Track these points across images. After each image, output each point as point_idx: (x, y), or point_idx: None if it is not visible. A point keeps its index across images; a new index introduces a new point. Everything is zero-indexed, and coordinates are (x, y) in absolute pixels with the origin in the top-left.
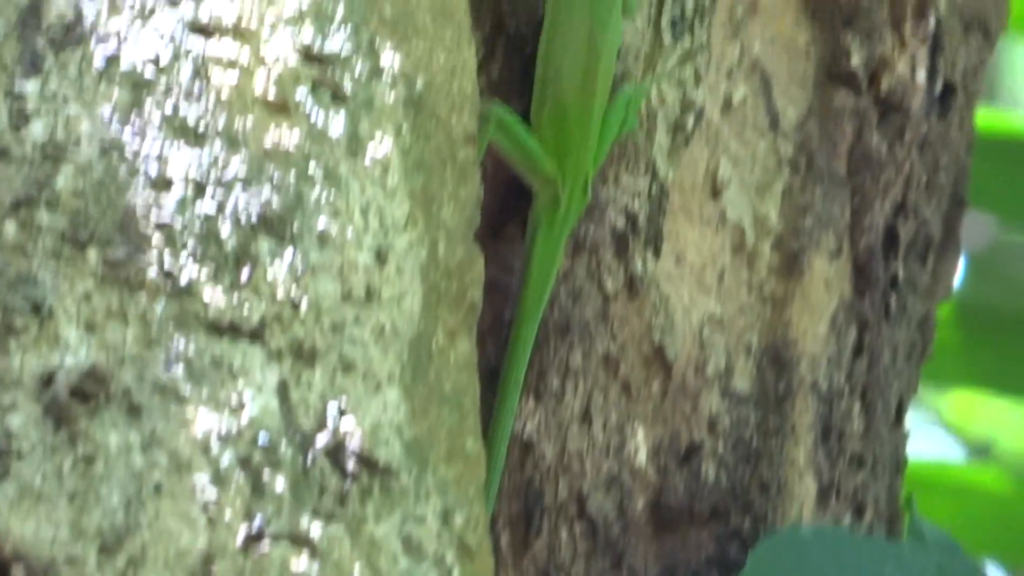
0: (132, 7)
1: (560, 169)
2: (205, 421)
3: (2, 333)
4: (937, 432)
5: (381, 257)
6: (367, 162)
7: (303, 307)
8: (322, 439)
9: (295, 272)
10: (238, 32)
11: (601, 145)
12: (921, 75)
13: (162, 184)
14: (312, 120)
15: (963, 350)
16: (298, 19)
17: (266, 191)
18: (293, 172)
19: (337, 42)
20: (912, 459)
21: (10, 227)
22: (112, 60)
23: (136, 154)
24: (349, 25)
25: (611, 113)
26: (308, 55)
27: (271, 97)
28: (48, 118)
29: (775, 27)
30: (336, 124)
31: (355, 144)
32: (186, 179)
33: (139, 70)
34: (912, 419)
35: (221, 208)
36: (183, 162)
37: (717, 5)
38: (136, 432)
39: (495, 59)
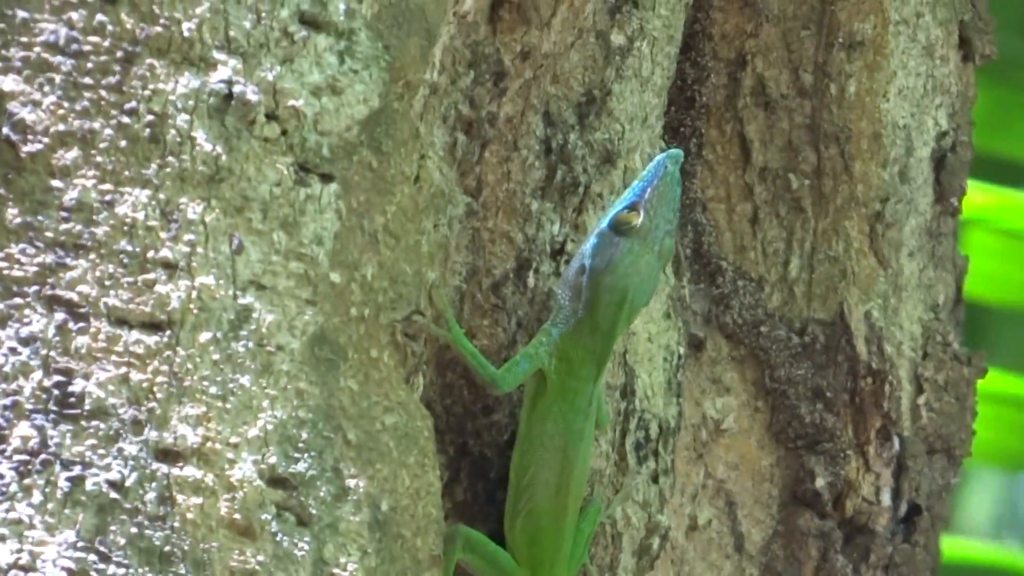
0: (97, 431)
1: None
2: None
3: None
4: None
5: None
6: None
7: None
8: None
9: None
10: (202, 456)
11: (574, 555)
12: (886, 497)
13: None
14: (277, 542)
15: None
16: (263, 442)
17: None
18: None
19: (302, 466)
20: None
21: None
22: (77, 484)
23: None
24: (314, 449)
25: (583, 523)
26: (273, 479)
27: (236, 520)
28: (12, 543)
29: (739, 450)
30: (301, 547)
31: (320, 567)
32: None
33: (104, 493)
34: None
35: None
36: None
37: (681, 428)
38: None
39: (459, 482)
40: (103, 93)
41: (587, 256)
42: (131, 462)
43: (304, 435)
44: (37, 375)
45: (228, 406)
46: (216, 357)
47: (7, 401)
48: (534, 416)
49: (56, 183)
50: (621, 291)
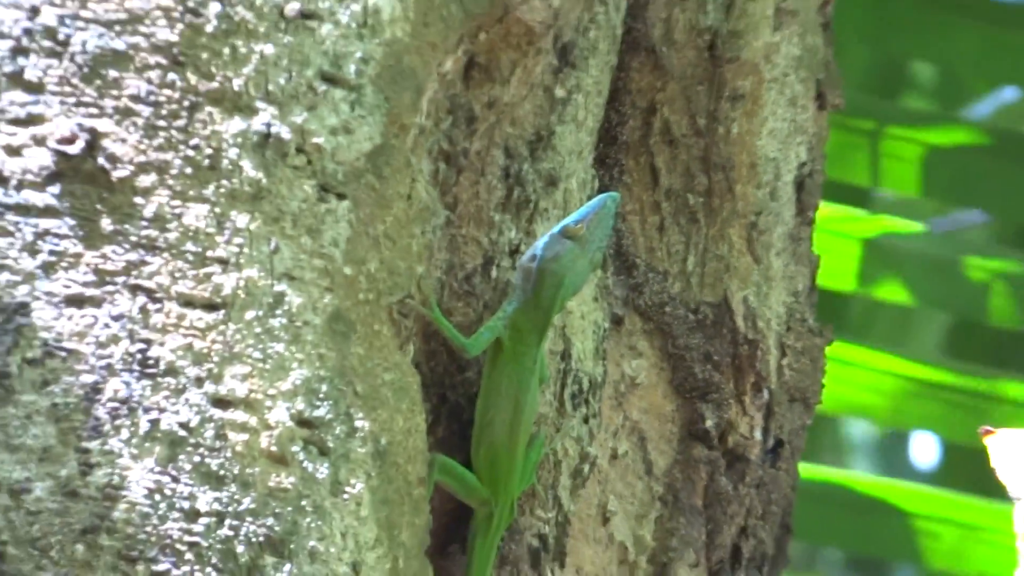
0: (169, 385)
1: (493, 494)
2: None
3: None
4: None
5: (356, 569)
6: (345, 499)
7: None
8: None
9: None
10: (248, 404)
11: (523, 476)
12: (758, 434)
13: (193, 515)
14: (304, 468)
15: None
16: (293, 394)
17: (270, 520)
18: (290, 507)
19: (323, 411)
20: None
21: (79, 547)
22: (154, 424)
23: (173, 493)
24: (331, 399)
25: (531, 452)
26: (301, 421)
27: (273, 451)
28: (107, 468)
29: (649, 399)
30: (322, 471)
31: (336, 486)
32: (210, 511)
33: (175, 432)
34: None
35: (236, 533)
36: (208, 499)
37: (605, 383)
38: None
39: (440, 423)
40: (174, 133)
41: (539, 248)
42: (194, 408)
43: (324, 388)
44: (125, 343)
45: (267, 367)
46: (258, 330)
47: (103, 363)
48: (493, 373)
49: (138, 200)
50: (559, 278)
